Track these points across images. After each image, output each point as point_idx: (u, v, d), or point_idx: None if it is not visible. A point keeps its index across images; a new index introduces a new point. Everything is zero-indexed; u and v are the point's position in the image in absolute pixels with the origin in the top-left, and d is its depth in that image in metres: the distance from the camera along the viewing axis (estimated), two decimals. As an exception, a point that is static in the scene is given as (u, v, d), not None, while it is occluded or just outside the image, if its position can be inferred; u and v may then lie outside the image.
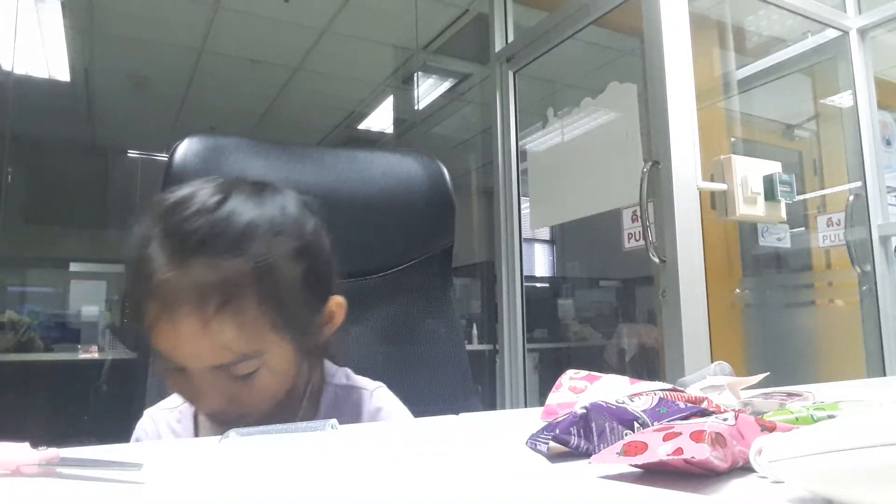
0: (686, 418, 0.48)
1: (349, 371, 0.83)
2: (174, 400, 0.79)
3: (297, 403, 0.76)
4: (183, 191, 0.67)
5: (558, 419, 0.50)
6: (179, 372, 0.67)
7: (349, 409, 0.78)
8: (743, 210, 1.74)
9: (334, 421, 0.63)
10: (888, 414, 0.42)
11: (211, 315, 0.62)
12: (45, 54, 3.88)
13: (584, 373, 0.69)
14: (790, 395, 0.65)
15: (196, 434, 0.77)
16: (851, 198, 2.28)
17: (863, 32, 2.29)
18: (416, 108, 4.66)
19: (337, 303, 0.75)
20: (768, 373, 0.70)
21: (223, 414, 0.68)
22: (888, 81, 2.63)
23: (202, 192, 0.66)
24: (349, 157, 1.05)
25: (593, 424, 0.48)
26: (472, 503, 0.39)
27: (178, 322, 0.62)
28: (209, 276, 0.62)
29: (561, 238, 6.36)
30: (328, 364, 0.82)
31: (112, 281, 5.06)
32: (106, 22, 3.73)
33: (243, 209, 0.66)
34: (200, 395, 0.67)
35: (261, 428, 0.62)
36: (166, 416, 0.79)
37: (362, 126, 5.19)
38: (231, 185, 0.68)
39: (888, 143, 2.40)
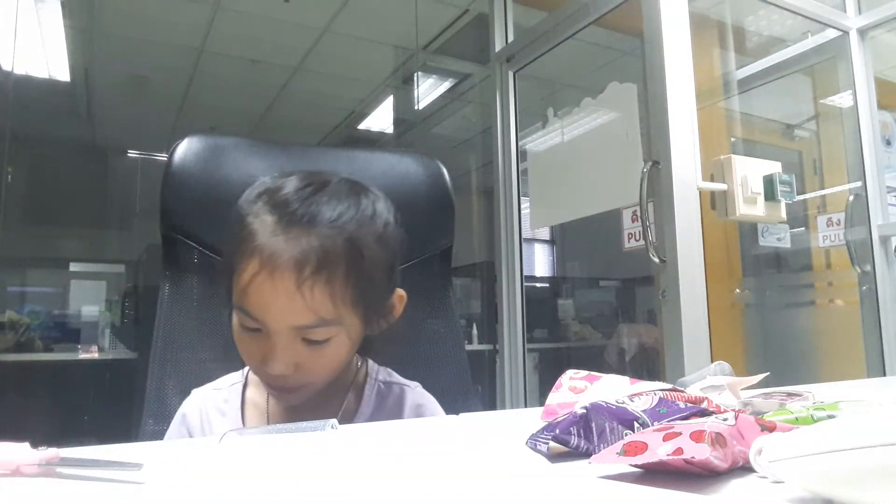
0: (686, 418, 0.48)
1: (390, 370, 0.88)
2: (221, 382, 0.82)
3: (343, 393, 0.82)
4: (289, 175, 0.76)
5: (558, 419, 0.50)
6: (254, 334, 0.72)
7: (391, 404, 0.83)
8: (743, 210, 1.74)
9: (334, 421, 0.63)
10: (888, 414, 0.42)
11: (307, 276, 0.69)
12: (45, 54, 3.88)
13: (584, 373, 0.69)
14: (790, 395, 0.65)
15: (243, 415, 0.79)
16: (851, 198, 2.28)
17: (863, 32, 2.29)
18: (416, 108, 4.66)
19: (399, 295, 0.81)
20: (768, 373, 0.70)
21: (284, 380, 0.72)
22: (888, 81, 2.63)
23: (307, 177, 0.76)
24: (349, 156, 1.05)
25: (593, 424, 0.48)
26: (472, 503, 0.39)
27: (276, 278, 0.69)
28: (310, 242, 0.69)
29: (561, 238, 6.35)
30: (370, 362, 0.87)
31: (112, 281, 5.06)
32: (106, 22, 3.73)
33: (342, 195, 0.74)
34: (272, 356, 0.71)
35: (261, 428, 0.62)
36: (214, 396, 0.81)
37: (362, 126, 5.19)
38: (332, 175, 0.78)
39: (888, 143, 2.40)
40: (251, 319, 0.71)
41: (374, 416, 0.83)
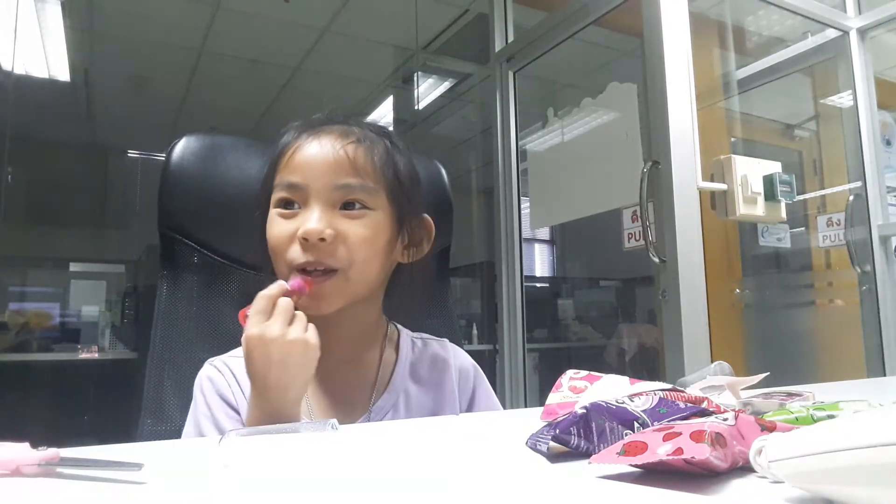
0: (686, 418, 0.48)
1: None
2: (237, 351, 0.79)
3: (379, 347, 0.84)
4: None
5: (558, 419, 0.50)
6: (293, 210, 0.75)
7: (430, 354, 0.87)
8: (743, 210, 1.74)
9: (334, 421, 0.63)
10: (888, 414, 0.42)
11: (351, 140, 0.77)
12: (45, 54, 3.87)
13: (584, 373, 0.69)
14: (790, 395, 0.65)
15: None
16: (851, 198, 2.28)
17: (863, 32, 2.29)
18: (416, 108, 4.66)
19: (428, 222, 0.85)
20: (768, 373, 0.70)
21: (319, 251, 0.72)
22: (888, 81, 2.63)
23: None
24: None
25: (593, 424, 0.48)
26: (472, 503, 0.39)
27: (323, 141, 0.76)
28: (350, 128, 0.79)
29: (561, 238, 6.35)
30: (400, 326, 0.90)
31: (112, 281, 5.06)
32: (106, 22, 3.73)
33: (372, 125, 0.84)
34: (309, 220, 0.72)
35: (260, 428, 0.62)
36: (235, 362, 0.78)
37: (362, 126, 5.18)
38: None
39: (888, 143, 2.40)
40: (293, 189, 0.74)
41: (415, 369, 0.85)
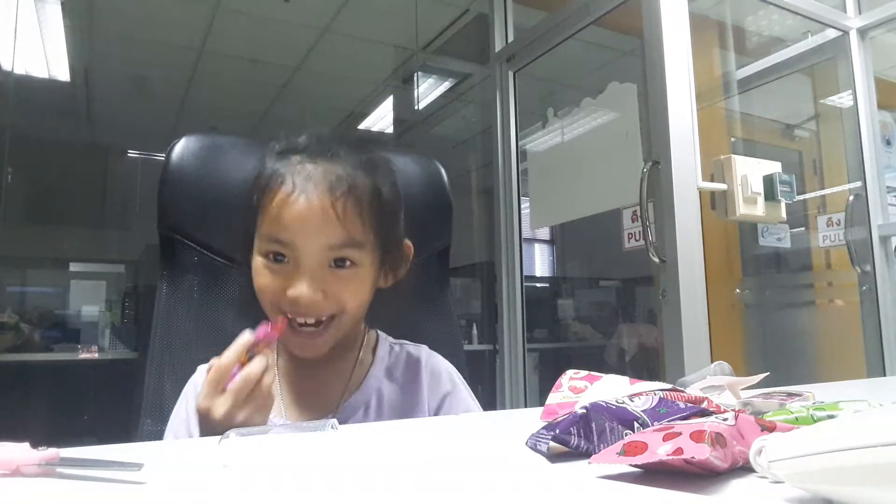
0: (686, 418, 0.48)
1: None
2: None
3: (356, 353, 0.86)
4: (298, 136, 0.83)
5: (558, 419, 0.50)
6: (281, 264, 0.75)
7: (405, 360, 0.88)
8: (743, 210, 1.74)
9: (334, 421, 0.63)
10: (888, 414, 0.42)
11: (339, 196, 0.75)
12: (45, 54, 3.87)
13: (584, 373, 0.69)
14: (790, 395, 0.65)
15: None
16: (851, 198, 2.28)
17: (863, 32, 2.29)
18: (416, 108, 4.66)
19: (407, 245, 0.86)
20: (768, 373, 0.70)
21: (309, 308, 0.74)
22: (888, 81, 2.63)
23: (318, 131, 0.83)
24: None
25: (593, 424, 0.48)
26: (472, 503, 0.39)
27: (311, 198, 0.74)
28: (337, 171, 0.76)
29: (561, 238, 6.35)
30: (379, 331, 0.91)
31: (112, 281, 5.06)
32: (106, 22, 3.73)
33: (353, 144, 0.82)
34: (299, 280, 0.73)
35: (261, 428, 0.62)
36: None
37: (362, 126, 5.19)
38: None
39: (888, 143, 2.40)
40: (281, 245, 0.74)
41: (390, 371, 0.86)
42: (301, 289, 0.73)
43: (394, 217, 0.82)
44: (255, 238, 0.78)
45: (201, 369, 0.80)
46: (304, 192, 0.74)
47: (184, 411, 0.77)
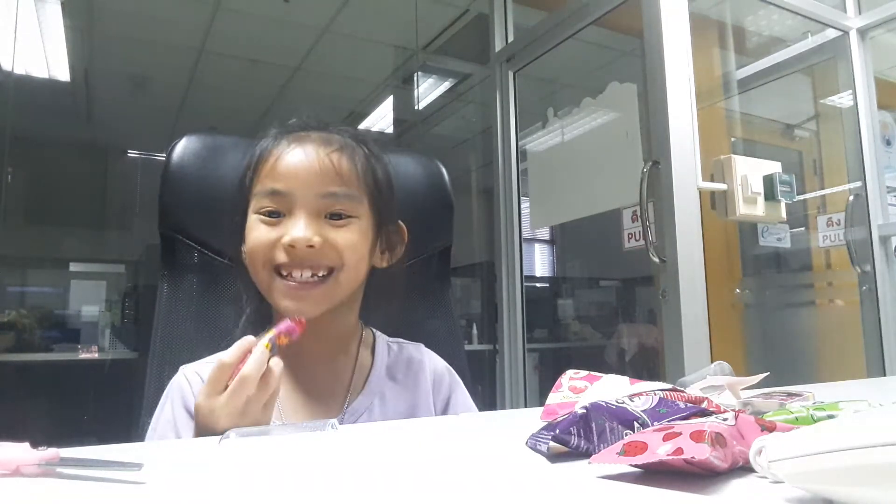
0: (686, 418, 0.48)
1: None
2: (211, 357, 0.79)
3: (355, 350, 0.85)
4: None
5: (558, 419, 0.50)
6: (275, 218, 0.74)
7: (405, 358, 0.88)
8: (743, 210, 1.74)
9: (334, 421, 0.63)
10: (888, 414, 0.42)
11: (334, 149, 0.77)
12: (45, 54, 3.87)
13: (584, 373, 0.69)
14: (790, 395, 0.65)
15: None
16: (851, 198, 2.28)
17: (863, 32, 2.29)
18: (416, 108, 4.66)
19: (402, 228, 0.86)
20: (768, 373, 0.70)
21: (304, 257, 0.73)
22: (888, 81, 2.63)
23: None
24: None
25: (593, 424, 0.48)
26: (472, 503, 0.39)
27: (307, 149, 0.76)
28: (336, 133, 0.80)
29: (561, 238, 6.35)
30: (376, 330, 0.90)
31: (112, 281, 5.06)
32: (106, 22, 3.73)
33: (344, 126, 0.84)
34: (296, 228, 0.73)
35: (260, 428, 0.62)
36: (207, 369, 0.76)
37: (362, 126, 5.19)
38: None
39: (888, 143, 2.39)
40: (277, 196, 0.74)
41: (392, 372, 0.85)
42: (297, 232, 0.72)
43: (387, 185, 0.82)
44: (247, 212, 0.78)
45: (184, 370, 0.79)
46: (299, 146, 0.76)
47: (170, 412, 0.76)
